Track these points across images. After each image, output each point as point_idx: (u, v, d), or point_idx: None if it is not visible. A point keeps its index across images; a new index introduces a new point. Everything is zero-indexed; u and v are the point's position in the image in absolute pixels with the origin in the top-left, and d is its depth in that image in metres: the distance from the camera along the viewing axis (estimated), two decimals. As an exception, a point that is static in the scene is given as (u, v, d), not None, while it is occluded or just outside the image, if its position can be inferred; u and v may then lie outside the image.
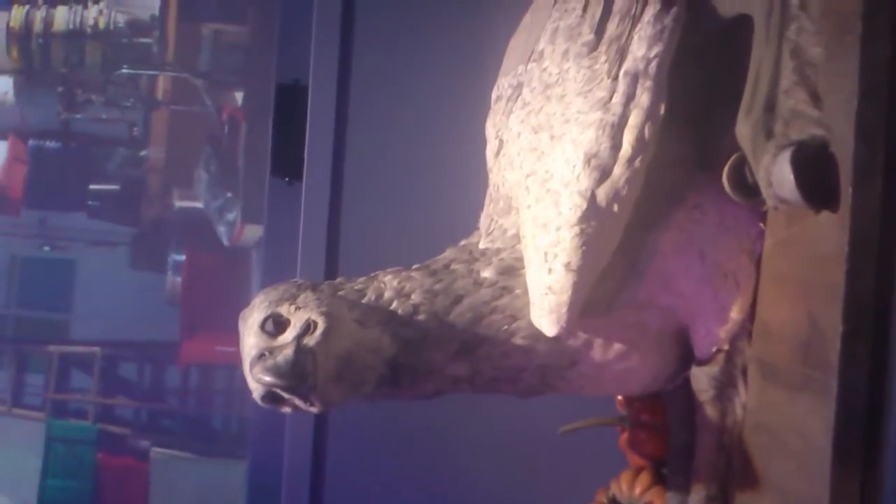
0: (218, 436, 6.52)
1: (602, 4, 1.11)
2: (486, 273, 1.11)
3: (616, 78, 1.07)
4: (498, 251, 1.13)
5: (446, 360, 1.09)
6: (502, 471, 1.94)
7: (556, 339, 1.08)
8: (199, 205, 5.70)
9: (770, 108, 1.03)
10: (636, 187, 1.05)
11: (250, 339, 1.07)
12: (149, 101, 6.33)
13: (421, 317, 1.08)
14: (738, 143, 1.06)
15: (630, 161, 1.05)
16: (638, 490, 1.24)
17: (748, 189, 1.06)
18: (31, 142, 6.71)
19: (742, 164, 1.06)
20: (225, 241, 5.41)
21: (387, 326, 1.08)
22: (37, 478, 6.21)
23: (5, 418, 6.78)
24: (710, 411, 1.16)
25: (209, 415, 6.68)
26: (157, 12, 6.10)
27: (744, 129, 1.04)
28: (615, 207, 1.04)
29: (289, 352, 1.04)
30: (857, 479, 0.98)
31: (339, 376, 1.05)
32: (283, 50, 2.31)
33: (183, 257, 6.14)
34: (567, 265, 1.05)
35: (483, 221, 1.21)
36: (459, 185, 1.51)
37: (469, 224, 1.24)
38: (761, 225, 1.12)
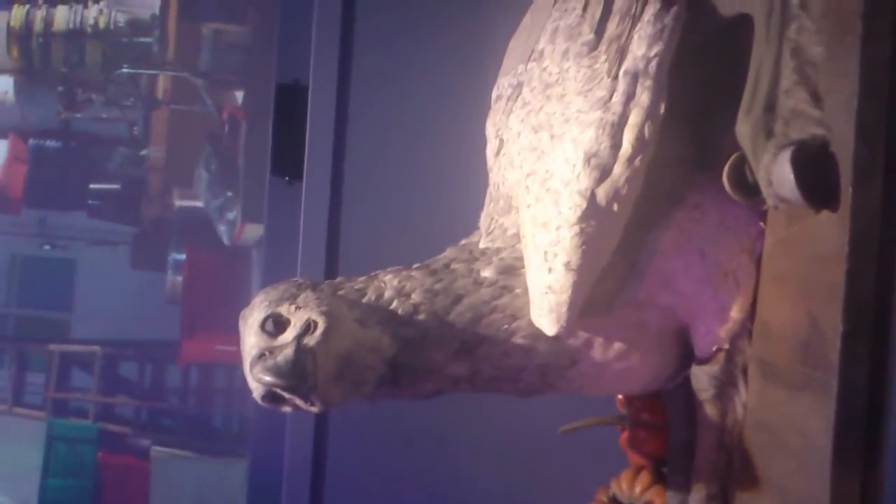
0: (218, 435, 6.52)
1: (602, 4, 1.11)
2: (487, 272, 1.11)
3: (616, 77, 1.07)
4: (498, 250, 1.13)
5: (446, 360, 1.09)
6: (502, 470, 1.94)
7: (556, 338, 1.08)
8: (199, 204, 5.71)
9: (770, 107, 1.03)
10: (636, 186, 1.05)
11: (250, 339, 1.07)
12: (149, 100, 6.33)
13: (421, 316, 1.08)
14: (738, 143, 1.06)
15: (630, 160, 1.05)
16: (638, 489, 1.24)
17: (748, 188, 1.06)
18: (31, 141, 6.71)
19: (742, 163, 1.06)
20: (225, 241, 5.41)
21: (387, 326, 1.08)
22: (37, 477, 6.21)
23: (6, 417, 6.79)
24: (711, 410, 1.16)
25: (209, 414, 6.68)
26: (157, 12, 6.10)
27: (744, 129, 1.04)
28: (615, 207, 1.04)
29: (289, 351, 1.04)
30: (858, 479, 0.98)
31: (339, 376, 1.05)
32: (283, 49, 2.31)
33: (183, 256, 6.14)
34: (567, 264, 1.05)
35: (483, 221, 1.21)
36: (459, 184, 1.51)
37: (469, 223, 1.24)
38: (761, 224, 1.12)
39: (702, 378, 1.16)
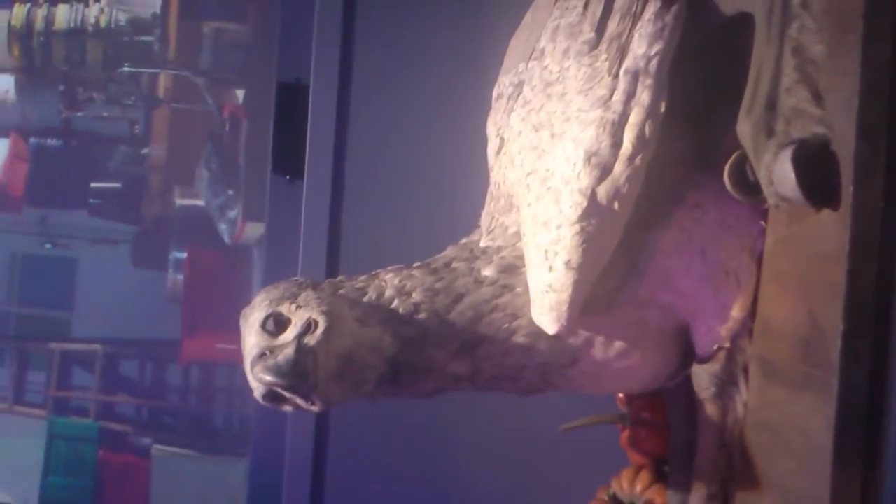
0: (219, 433, 6.52)
1: (603, 2, 1.11)
2: (487, 271, 1.11)
3: (617, 76, 1.07)
4: (499, 249, 1.13)
5: (447, 359, 1.09)
6: (503, 469, 1.94)
7: (556, 337, 1.08)
8: (200, 202, 5.71)
9: (771, 106, 1.03)
10: (637, 185, 1.05)
11: (251, 339, 1.07)
12: (150, 99, 6.34)
13: (422, 315, 1.08)
14: (739, 141, 1.06)
15: (630, 159, 1.05)
16: (639, 488, 1.24)
17: (749, 187, 1.06)
18: (32, 140, 6.72)
19: (743, 162, 1.06)
20: (226, 239, 5.41)
21: (387, 325, 1.08)
22: (38, 475, 6.22)
23: (7, 415, 6.79)
24: (711, 409, 1.16)
25: (210, 412, 6.68)
26: (158, 10, 6.10)
27: (745, 128, 1.04)
28: (616, 205, 1.04)
29: (289, 351, 1.04)
30: (858, 478, 0.98)
31: (339, 375, 1.05)
32: (284, 48, 2.31)
33: (184, 255, 6.15)
34: (567, 263, 1.05)
35: (484, 219, 1.21)
36: (460, 183, 1.51)
37: (470, 222, 1.24)
38: (762, 223, 1.12)
39: (702, 377, 1.16)
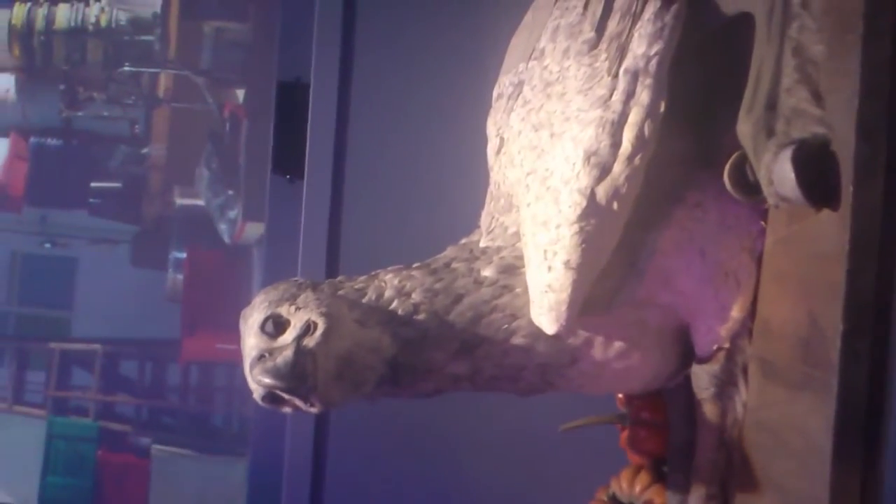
0: (219, 433, 6.52)
1: (603, 2, 1.11)
2: (487, 272, 1.11)
3: (616, 75, 1.07)
4: (498, 249, 1.13)
5: (447, 360, 1.09)
6: (503, 469, 1.94)
7: (556, 337, 1.08)
8: (200, 202, 5.71)
9: (771, 106, 1.03)
10: (636, 185, 1.05)
11: (250, 340, 1.07)
12: (150, 98, 6.34)
13: (421, 316, 1.08)
14: (739, 142, 1.06)
15: (630, 159, 1.04)
16: (638, 488, 1.24)
17: (749, 187, 1.06)
18: (32, 139, 6.72)
19: (743, 162, 1.06)
20: (226, 239, 5.42)
21: (387, 326, 1.08)
22: (37, 475, 6.22)
23: (6, 415, 6.79)
24: (711, 409, 1.16)
25: (210, 412, 6.68)
26: (158, 10, 6.11)
27: (745, 128, 1.04)
28: (615, 205, 1.04)
29: (288, 353, 1.04)
30: (858, 478, 0.98)
31: (339, 376, 1.05)
32: (284, 48, 2.31)
33: (184, 255, 6.15)
34: (567, 263, 1.05)
35: (484, 219, 1.21)
36: (460, 183, 1.51)
37: (470, 222, 1.24)
38: (762, 223, 1.12)
39: (702, 377, 1.16)
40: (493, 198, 1.20)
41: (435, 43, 2.02)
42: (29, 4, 6.33)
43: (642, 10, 1.09)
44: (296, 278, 1.13)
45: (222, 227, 5.37)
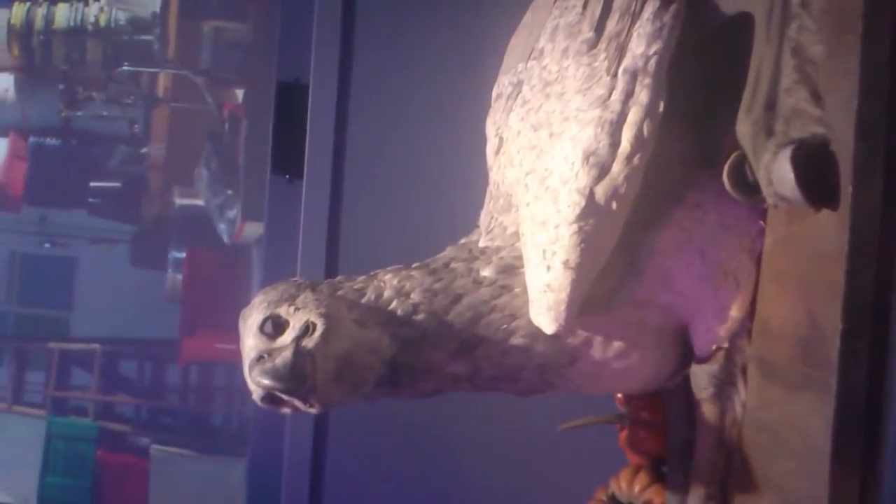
0: (218, 433, 6.53)
1: (602, 2, 1.11)
2: (486, 272, 1.11)
3: (615, 75, 1.07)
4: (498, 249, 1.13)
5: (446, 360, 1.09)
6: (502, 469, 1.94)
7: (555, 337, 1.08)
8: (199, 202, 5.72)
9: (771, 106, 1.03)
10: (635, 185, 1.05)
11: (249, 341, 1.07)
12: (150, 98, 6.34)
13: (420, 316, 1.08)
14: (738, 141, 1.06)
15: (629, 158, 1.04)
16: (637, 488, 1.24)
17: (748, 187, 1.06)
18: (31, 139, 6.72)
19: (742, 162, 1.06)
20: (225, 239, 5.42)
21: (386, 326, 1.07)
22: (37, 475, 6.22)
23: (5, 415, 6.79)
24: (710, 409, 1.16)
25: (209, 412, 6.69)
26: (158, 10, 6.11)
27: (744, 128, 1.04)
28: (614, 205, 1.04)
29: (287, 354, 1.04)
30: (857, 478, 0.98)
31: (338, 377, 1.05)
32: (283, 48, 2.31)
33: (183, 254, 6.15)
34: (566, 263, 1.05)
35: (483, 219, 1.21)
36: (459, 183, 1.51)
37: (469, 222, 1.24)
38: (761, 223, 1.12)
39: (701, 377, 1.16)
40: (493, 198, 1.20)
41: (434, 43, 2.02)
42: (28, 4, 6.33)
43: (641, 10, 1.09)
44: (295, 278, 1.13)
45: (222, 227, 5.37)
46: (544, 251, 1.06)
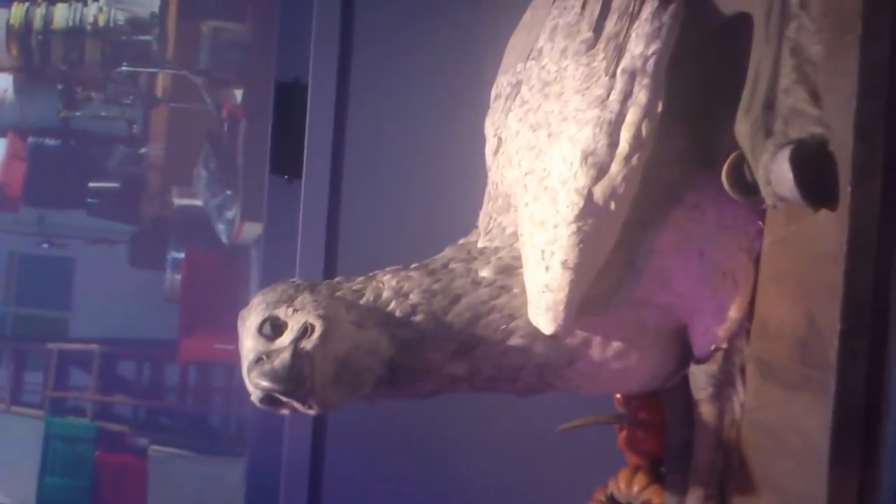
0: (216, 433, 6.53)
1: (601, 2, 1.11)
2: (485, 272, 1.11)
3: (614, 75, 1.07)
4: (496, 250, 1.13)
5: (444, 360, 1.09)
6: (501, 469, 1.94)
7: (553, 337, 1.08)
8: (198, 202, 5.72)
9: (769, 106, 1.03)
10: (633, 185, 1.05)
11: (248, 343, 1.07)
12: (148, 98, 6.34)
13: (419, 317, 1.08)
14: (737, 141, 1.06)
15: (627, 158, 1.04)
16: (636, 488, 1.24)
17: (747, 187, 1.06)
18: (30, 139, 6.72)
19: (741, 162, 1.06)
20: (224, 239, 5.42)
21: (385, 327, 1.07)
22: (35, 475, 6.21)
23: (4, 416, 6.79)
24: (708, 410, 1.16)
25: (208, 412, 6.68)
26: (156, 10, 6.11)
27: (743, 128, 1.04)
28: (612, 205, 1.04)
29: (286, 356, 1.04)
30: (856, 478, 0.98)
31: (336, 378, 1.05)
32: (282, 48, 2.31)
33: (182, 255, 6.15)
34: (564, 263, 1.05)
35: (482, 220, 1.21)
36: (458, 183, 1.51)
37: (468, 222, 1.24)
38: (760, 223, 1.12)
39: (700, 377, 1.16)
40: (491, 198, 1.20)
41: (433, 43, 2.02)
42: (27, 4, 6.33)
43: (640, 10, 1.09)
44: (293, 279, 1.13)
45: (220, 228, 5.37)
46: (543, 251, 1.06)
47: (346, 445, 2.04)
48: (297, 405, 1.05)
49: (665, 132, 1.06)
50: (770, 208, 1.07)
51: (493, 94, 1.25)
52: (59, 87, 6.34)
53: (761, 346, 1.11)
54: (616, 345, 1.10)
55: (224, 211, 5.30)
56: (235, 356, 1.10)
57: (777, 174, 1.00)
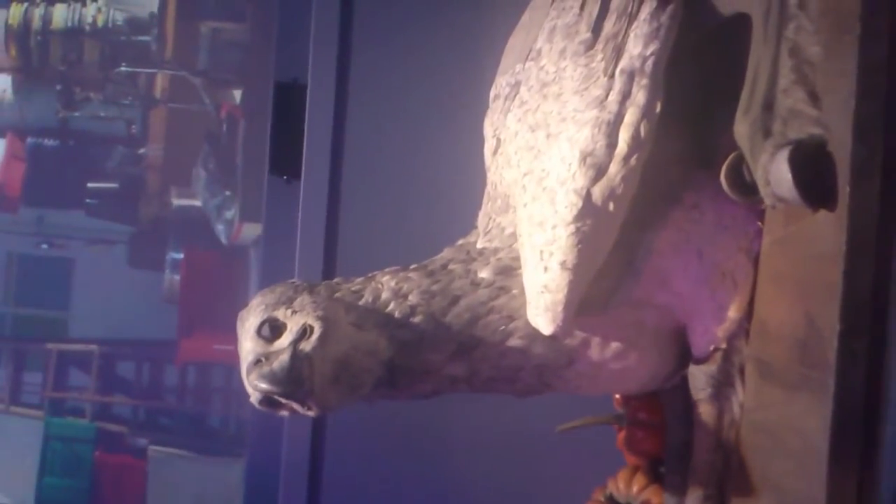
0: (215, 434, 6.52)
1: (599, 3, 1.11)
2: (484, 273, 1.11)
3: (612, 76, 1.07)
4: (496, 251, 1.13)
5: (443, 361, 1.09)
6: (500, 469, 1.94)
7: (553, 338, 1.08)
8: (197, 203, 5.71)
9: (768, 106, 1.03)
10: (632, 185, 1.05)
11: (247, 344, 1.07)
12: (147, 99, 6.34)
13: (418, 318, 1.08)
14: (735, 142, 1.06)
15: (626, 159, 1.04)
16: (635, 489, 1.24)
17: (746, 188, 1.06)
18: (29, 140, 6.71)
19: (740, 162, 1.06)
20: (223, 240, 5.42)
21: (384, 329, 1.07)
22: (34, 476, 6.21)
23: (3, 416, 6.79)
24: (708, 410, 1.16)
25: (207, 413, 6.68)
26: (155, 10, 6.11)
27: (742, 128, 1.04)
28: (611, 206, 1.04)
29: (285, 357, 1.04)
30: (855, 478, 0.98)
31: (335, 380, 1.05)
32: (281, 48, 2.31)
33: (181, 255, 6.15)
34: (563, 263, 1.05)
35: (481, 220, 1.21)
36: (457, 183, 1.51)
37: (467, 223, 1.24)
38: (759, 223, 1.12)
39: (699, 378, 1.16)
40: (490, 198, 1.20)
41: (432, 43, 2.02)
42: (26, 4, 6.33)
43: (638, 11, 1.09)
44: (292, 280, 1.13)
45: (219, 228, 5.37)
46: (541, 252, 1.06)
47: (346, 446, 2.04)
48: (296, 407, 1.05)
49: (664, 133, 1.06)
50: (769, 209, 1.07)
51: (491, 94, 1.25)
52: (58, 87, 6.34)
53: (760, 347, 1.11)
54: (615, 345, 1.10)
55: (223, 211, 5.30)
56: (234, 357, 1.10)
57: (776, 174, 1.00)
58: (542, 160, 1.08)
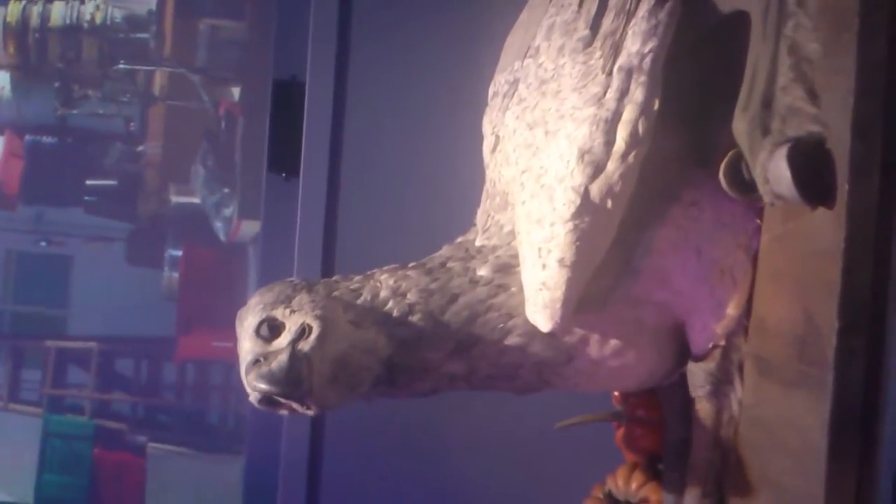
0: (215, 431, 6.52)
1: (597, 0, 1.11)
2: (482, 271, 1.11)
3: (610, 73, 1.07)
4: (494, 248, 1.13)
5: (442, 359, 1.09)
6: (499, 467, 1.94)
7: (551, 335, 1.08)
8: (195, 200, 5.71)
9: (767, 104, 1.03)
10: (630, 183, 1.05)
11: (246, 344, 1.07)
12: (146, 96, 6.33)
13: (416, 316, 1.08)
14: (734, 139, 1.06)
15: (624, 156, 1.05)
16: (634, 486, 1.24)
17: (745, 185, 1.06)
18: (27, 137, 6.71)
19: (739, 160, 1.06)
20: (222, 237, 5.41)
21: (382, 327, 1.08)
22: (33, 473, 6.21)
23: (2, 413, 6.78)
24: (706, 407, 1.16)
25: (206, 410, 6.67)
26: (154, 8, 6.10)
27: (740, 126, 1.04)
28: (609, 203, 1.04)
29: (283, 357, 1.04)
30: (853, 475, 0.98)
31: (334, 379, 1.05)
32: (280, 45, 2.31)
33: (180, 253, 6.14)
34: (561, 261, 1.05)
35: (480, 218, 1.21)
36: (456, 181, 1.51)
37: (466, 220, 1.24)
38: (758, 221, 1.12)
39: (698, 375, 1.16)
40: (489, 196, 1.20)
41: (431, 41, 2.02)
42: (24, 2, 6.32)
43: (636, 8, 1.09)
44: (291, 279, 1.13)
45: (218, 225, 5.37)
46: (540, 249, 1.06)
47: (345, 443, 2.04)
48: (295, 406, 1.05)
49: (662, 130, 1.06)
50: (768, 206, 1.07)
51: (490, 92, 1.25)
52: (56, 84, 6.33)
53: (759, 344, 1.11)
54: (614, 342, 1.10)
55: (222, 209, 5.30)
56: (233, 354, 1.10)
57: (775, 172, 1.00)
58: (540, 157, 1.08)
